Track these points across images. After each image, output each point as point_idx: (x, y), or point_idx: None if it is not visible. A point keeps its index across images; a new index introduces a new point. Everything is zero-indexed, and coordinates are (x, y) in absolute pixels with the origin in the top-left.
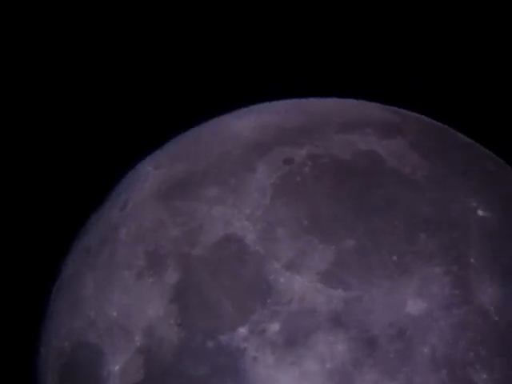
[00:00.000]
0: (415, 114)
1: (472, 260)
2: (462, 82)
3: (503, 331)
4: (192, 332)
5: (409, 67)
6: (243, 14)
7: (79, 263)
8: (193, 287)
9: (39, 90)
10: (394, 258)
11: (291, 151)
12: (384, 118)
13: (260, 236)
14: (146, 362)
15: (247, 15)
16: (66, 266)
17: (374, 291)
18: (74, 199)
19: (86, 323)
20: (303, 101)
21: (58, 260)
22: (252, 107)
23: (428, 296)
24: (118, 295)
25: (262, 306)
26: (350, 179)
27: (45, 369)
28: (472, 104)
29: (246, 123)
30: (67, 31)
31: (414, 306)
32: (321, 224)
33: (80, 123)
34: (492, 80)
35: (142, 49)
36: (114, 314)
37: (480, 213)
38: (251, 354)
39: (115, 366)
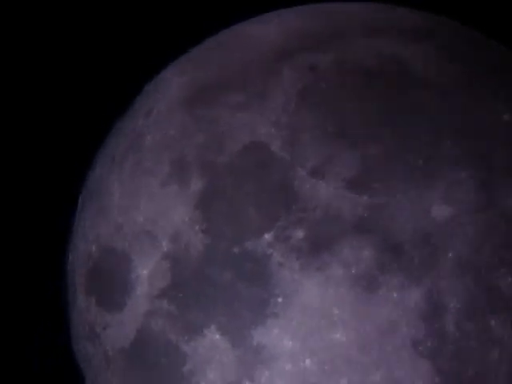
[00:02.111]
0: (442, 18)
1: (497, 164)
2: None
3: None
4: (217, 238)
5: None
6: None
7: (106, 170)
8: (218, 194)
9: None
10: (420, 162)
11: (316, 57)
12: (410, 22)
13: (285, 142)
14: (172, 267)
15: None
16: (93, 173)
17: (399, 197)
18: (99, 107)
19: (113, 228)
20: (327, 5)
21: (85, 167)
22: (274, 13)
23: (453, 201)
24: (144, 202)
25: (287, 213)
26: (375, 85)
27: (73, 273)
28: (500, 7)
29: (269, 29)
30: None
31: (439, 211)
32: (346, 130)
33: (104, 32)
34: None
35: None
36: (141, 219)
37: (506, 117)
38: (277, 259)
39: (143, 271)
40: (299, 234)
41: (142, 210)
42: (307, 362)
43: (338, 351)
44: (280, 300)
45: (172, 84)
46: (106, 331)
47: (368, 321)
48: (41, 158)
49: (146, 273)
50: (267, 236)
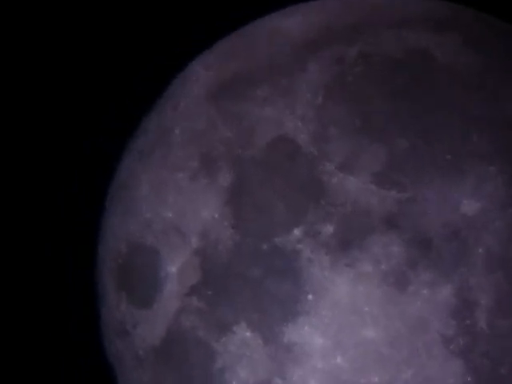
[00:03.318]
0: (468, 9)
1: None
2: None
3: None
4: (247, 234)
5: None
6: None
7: (134, 165)
8: (246, 189)
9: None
10: (448, 157)
11: (342, 50)
12: (436, 12)
13: (313, 137)
14: (202, 263)
15: None
16: (121, 169)
17: (427, 192)
18: (126, 102)
19: (141, 224)
20: None
21: (113, 162)
22: (299, 5)
23: (483, 196)
24: (173, 197)
25: (315, 208)
26: (402, 78)
27: (103, 269)
28: None
29: (294, 22)
30: None
31: (469, 206)
32: (373, 124)
33: (131, 26)
34: None
35: None
36: (169, 215)
37: None
38: (306, 255)
39: (172, 268)
40: (328, 229)
41: (170, 206)
42: (338, 359)
43: (369, 348)
44: (310, 297)
45: (199, 78)
46: (137, 329)
47: (398, 318)
48: (68, 154)
49: (176, 270)
50: (296, 231)
